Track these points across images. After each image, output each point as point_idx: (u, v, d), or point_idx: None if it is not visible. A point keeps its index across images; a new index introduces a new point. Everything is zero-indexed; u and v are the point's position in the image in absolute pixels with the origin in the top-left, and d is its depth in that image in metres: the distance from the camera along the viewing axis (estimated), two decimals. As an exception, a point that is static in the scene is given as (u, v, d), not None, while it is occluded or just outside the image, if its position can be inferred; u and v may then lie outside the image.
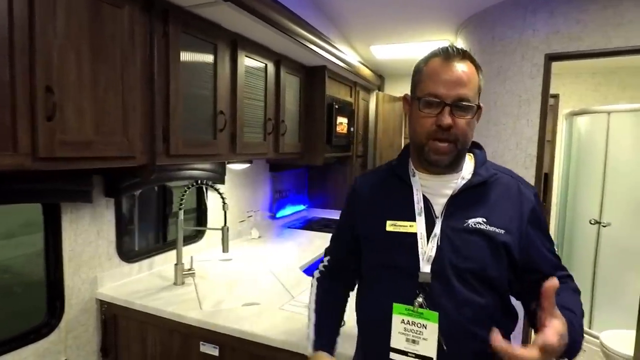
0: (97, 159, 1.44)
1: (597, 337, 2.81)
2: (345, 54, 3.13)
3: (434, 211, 0.98)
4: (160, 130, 1.66)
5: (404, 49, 3.35)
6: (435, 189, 1.01)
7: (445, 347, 0.92)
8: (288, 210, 3.60)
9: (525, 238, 0.96)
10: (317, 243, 2.87)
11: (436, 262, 0.94)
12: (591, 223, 3.14)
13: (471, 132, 0.97)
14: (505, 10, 2.42)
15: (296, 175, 3.73)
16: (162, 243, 2.25)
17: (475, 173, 1.00)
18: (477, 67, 0.96)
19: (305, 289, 1.92)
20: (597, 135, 3.16)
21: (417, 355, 0.93)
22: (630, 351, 2.26)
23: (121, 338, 1.83)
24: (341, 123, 3.24)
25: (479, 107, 0.96)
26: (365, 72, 3.68)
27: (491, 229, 0.94)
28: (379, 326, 0.99)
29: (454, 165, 0.99)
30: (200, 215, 2.55)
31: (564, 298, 0.91)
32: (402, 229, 0.98)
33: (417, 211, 0.98)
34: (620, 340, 2.50)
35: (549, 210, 3.82)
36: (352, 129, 3.53)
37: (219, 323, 1.56)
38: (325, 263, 1.23)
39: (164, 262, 2.19)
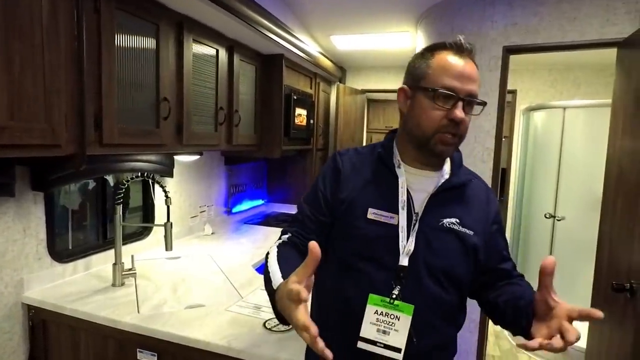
0: (14, 148, 1.26)
1: (550, 329, 2.86)
2: (305, 43, 3.02)
3: (413, 206, 0.98)
4: (91, 117, 1.50)
5: (365, 40, 3.28)
6: (417, 184, 1.01)
7: (414, 339, 0.93)
8: (245, 205, 3.46)
9: (489, 240, 1.03)
10: (273, 239, 2.74)
11: (413, 256, 0.95)
12: (546, 217, 3.19)
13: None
14: (464, 2, 2.38)
15: (254, 169, 3.60)
16: (102, 241, 2.08)
17: (453, 173, 1.03)
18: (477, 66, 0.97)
19: (255, 290, 1.81)
20: (552, 130, 3.20)
21: (386, 346, 0.93)
22: (582, 343, 2.29)
23: (51, 346, 1.66)
24: (300, 115, 3.14)
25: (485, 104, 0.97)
26: (326, 63, 3.59)
27: (463, 229, 0.98)
28: (349, 315, 0.96)
29: (443, 162, 1.03)
30: (147, 210, 2.38)
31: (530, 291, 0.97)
32: (382, 219, 0.97)
33: (400, 205, 0.97)
34: (572, 331, 2.54)
35: (506, 204, 3.88)
36: (312, 121, 3.43)
37: (157, 328, 1.43)
38: (285, 240, 1.05)
39: (104, 261, 2.02)
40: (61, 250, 1.85)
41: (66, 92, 1.39)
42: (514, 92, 3.80)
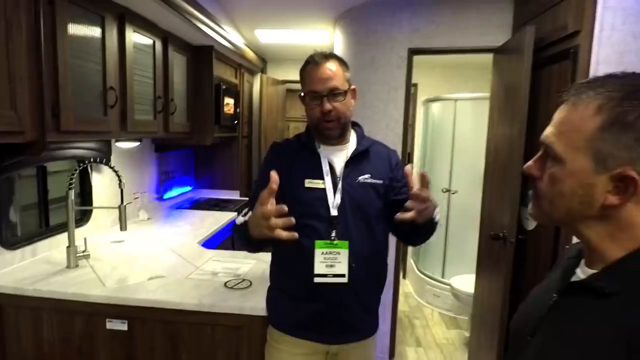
0: (-19, 135, 1.33)
1: (448, 284, 3.45)
2: (231, 35, 3.19)
3: (336, 172, 1.36)
4: (49, 104, 1.57)
5: (287, 35, 3.53)
6: (334, 156, 1.38)
7: (353, 265, 1.30)
8: (175, 191, 3.55)
9: (395, 178, 1.40)
10: (210, 221, 2.94)
11: (341, 207, 1.32)
12: (443, 191, 3.79)
13: (348, 109, 1.35)
14: (377, 7, 2.76)
15: (182, 156, 3.68)
16: (45, 228, 2.10)
17: (359, 143, 1.41)
18: (341, 62, 1.34)
19: (207, 261, 2.01)
20: (446, 119, 3.79)
21: (334, 275, 1.30)
22: (471, 289, 2.87)
23: (8, 330, 1.69)
24: (228, 104, 3.31)
25: (347, 91, 1.33)
26: (250, 54, 3.78)
27: (374, 181, 1.37)
28: (305, 260, 1.30)
29: (342, 137, 1.39)
30: (84, 196, 2.41)
31: None
32: (315, 185, 1.33)
33: (324, 172, 1.35)
34: (465, 282, 3.13)
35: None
36: (238, 110, 3.61)
37: (128, 296, 1.59)
38: (245, 211, 1.34)
39: (49, 247, 2.06)
40: (8, 237, 1.86)
41: (28, 79, 1.47)
42: (415, 85, 4.34)
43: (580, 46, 1.72)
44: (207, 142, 3.07)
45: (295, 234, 1.09)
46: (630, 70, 1.60)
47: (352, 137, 1.42)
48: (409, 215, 1.12)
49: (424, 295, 3.91)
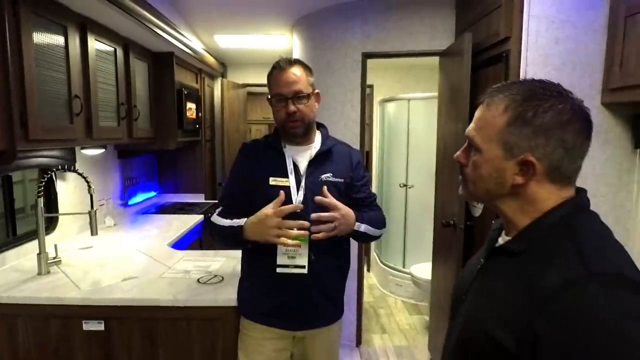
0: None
1: (409, 273, 3.67)
2: (191, 40, 3.25)
3: (299, 171, 1.47)
4: (18, 114, 1.61)
5: (246, 40, 3.63)
6: (298, 155, 1.49)
7: (313, 257, 1.42)
8: (139, 197, 3.56)
9: (355, 178, 1.53)
10: (177, 224, 2.99)
11: (304, 203, 1.40)
12: (400, 186, 4.01)
13: (312, 111, 1.45)
14: (330, 14, 2.92)
15: (145, 162, 3.69)
16: (12, 237, 2.10)
17: (323, 143, 1.51)
18: (305, 67, 1.45)
19: (179, 260, 2.09)
20: (401, 118, 4.01)
21: (295, 266, 1.42)
22: (428, 275, 3.08)
23: (-21, 339, 1.71)
24: (190, 108, 3.37)
25: (311, 94, 1.43)
26: (210, 59, 3.84)
27: (336, 179, 1.47)
28: (269, 252, 1.41)
29: (307, 137, 1.49)
30: (49, 204, 2.41)
31: (367, 212, 1.52)
32: (279, 183, 1.44)
33: (289, 171, 1.46)
34: (424, 270, 3.34)
35: (371, 179, 4.66)
36: (200, 114, 3.67)
37: (104, 297, 1.65)
38: (220, 211, 1.49)
39: (16, 257, 2.06)
40: (-26, 247, 1.86)
41: (-4, 92, 1.50)
42: (371, 86, 4.54)
43: (511, 51, 1.93)
44: (171, 146, 3.12)
45: (298, 241, 1.31)
46: (554, 71, 1.88)
47: (317, 137, 1.52)
48: (318, 236, 1.33)
49: (388, 285, 4.11)
